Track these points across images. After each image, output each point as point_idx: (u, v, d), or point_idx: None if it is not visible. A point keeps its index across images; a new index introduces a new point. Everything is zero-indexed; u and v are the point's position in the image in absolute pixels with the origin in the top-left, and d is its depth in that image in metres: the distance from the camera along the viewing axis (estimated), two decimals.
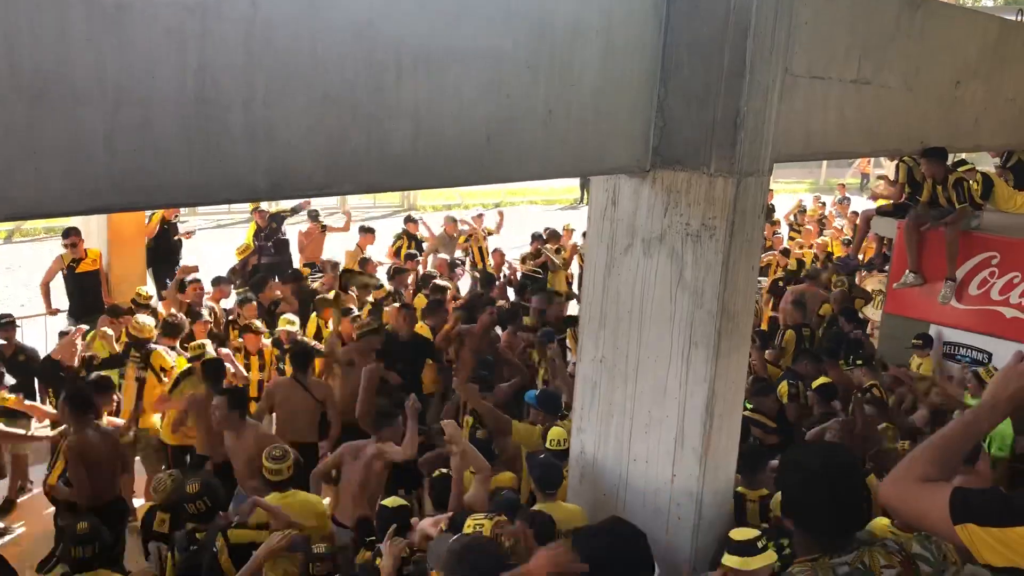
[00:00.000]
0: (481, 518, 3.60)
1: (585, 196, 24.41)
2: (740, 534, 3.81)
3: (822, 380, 6.63)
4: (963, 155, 9.11)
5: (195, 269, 9.43)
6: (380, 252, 12.54)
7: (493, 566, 2.99)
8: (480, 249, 12.72)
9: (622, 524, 2.67)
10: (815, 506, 2.35)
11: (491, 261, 12.16)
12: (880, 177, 8.83)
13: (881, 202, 10.49)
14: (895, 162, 8.84)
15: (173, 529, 5.11)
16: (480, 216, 13.78)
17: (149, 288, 10.16)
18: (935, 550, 2.36)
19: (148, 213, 10.07)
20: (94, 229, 9.89)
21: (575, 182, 25.00)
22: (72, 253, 9.07)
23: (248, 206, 15.26)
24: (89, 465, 5.62)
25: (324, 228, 12.34)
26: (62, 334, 7.48)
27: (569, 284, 11.86)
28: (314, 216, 12.41)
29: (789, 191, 20.62)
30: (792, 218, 15.86)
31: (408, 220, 13.09)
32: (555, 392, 6.41)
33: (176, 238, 10.91)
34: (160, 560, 5.12)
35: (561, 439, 5.26)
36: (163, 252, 10.63)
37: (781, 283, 10.84)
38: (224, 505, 5.13)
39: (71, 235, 9.10)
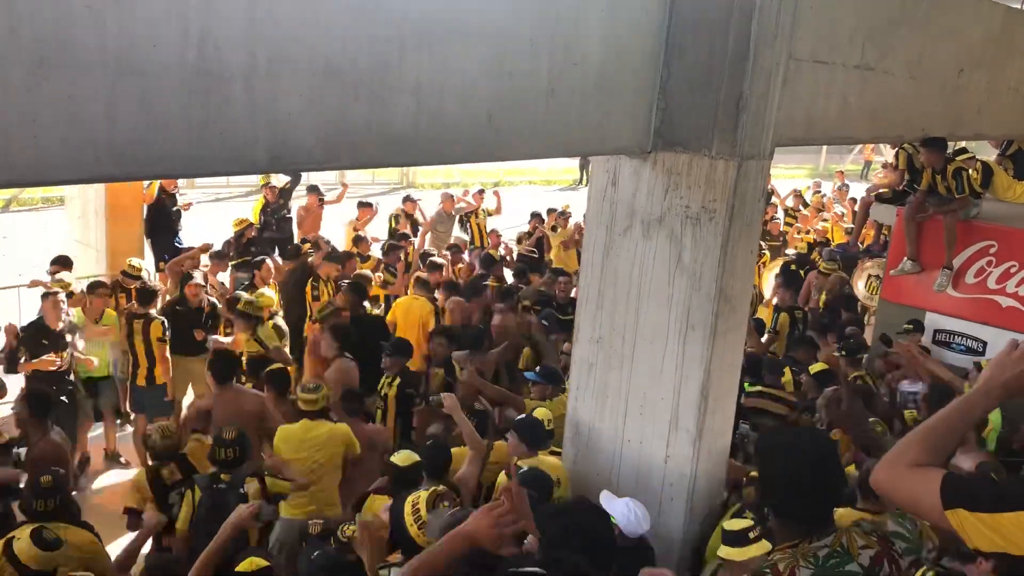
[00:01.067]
0: (421, 493, 3.61)
1: (585, 177, 24.39)
2: (733, 524, 3.83)
3: (819, 366, 6.66)
4: (963, 143, 9.12)
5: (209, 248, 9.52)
6: (379, 228, 12.54)
7: None
8: (479, 227, 12.71)
9: (585, 504, 2.67)
10: (795, 492, 2.36)
11: (489, 241, 12.16)
12: (884, 165, 8.81)
13: (881, 186, 10.48)
14: (895, 149, 8.83)
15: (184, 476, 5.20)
16: (481, 193, 13.74)
17: (147, 259, 10.22)
18: (910, 526, 2.38)
19: (146, 183, 10.02)
20: (92, 199, 9.86)
21: (575, 163, 24.96)
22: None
23: (247, 180, 15.26)
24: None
25: (322, 201, 12.30)
26: (45, 296, 7.31)
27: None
28: (314, 190, 12.38)
29: (788, 176, 20.57)
30: (788, 204, 15.85)
31: (407, 200, 13.07)
32: (555, 367, 6.47)
33: (175, 209, 10.88)
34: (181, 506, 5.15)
35: (546, 419, 5.29)
36: (162, 223, 10.60)
37: (793, 266, 10.82)
38: (249, 457, 5.20)
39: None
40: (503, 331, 8.00)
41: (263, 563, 3.85)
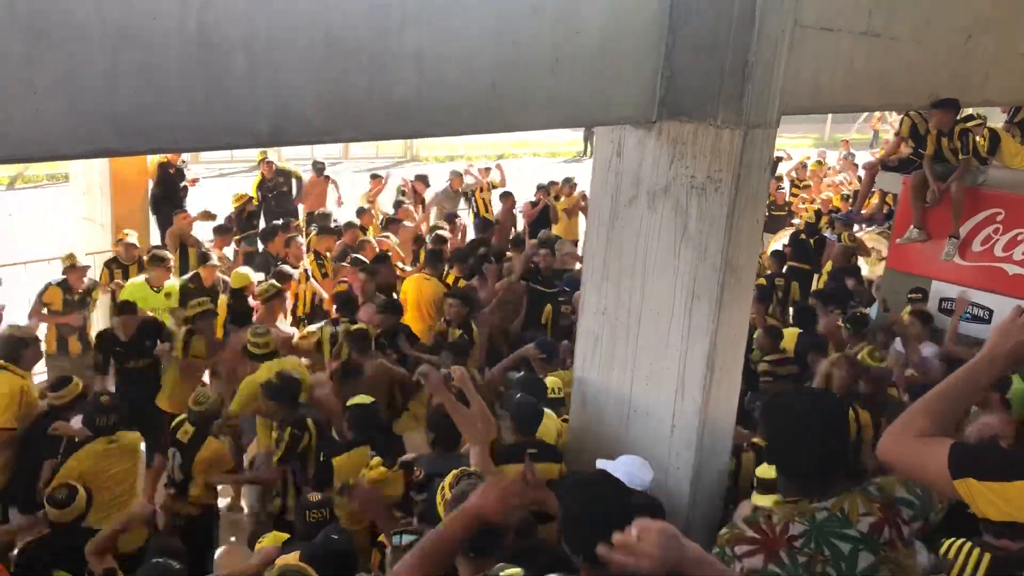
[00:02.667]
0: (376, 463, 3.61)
1: (589, 149, 24.27)
2: (765, 471, 3.83)
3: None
4: (971, 110, 9.02)
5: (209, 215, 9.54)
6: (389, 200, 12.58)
7: None
8: (484, 201, 12.67)
9: (603, 478, 2.64)
10: (796, 450, 2.35)
11: (495, 212, 12.14)
12: (896, 135, 8.75)
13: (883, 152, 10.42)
14: (901, 117, 8.75)
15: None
16: (487, 169, 13.73)
17: (153, 234, 10.24)
18: (920, 492, 2.36)
19: (149, 157, 10.01)
20: (96, 175, 9.84)
21: (579, 135, 24.84)
22: None
23: (251, 155, 15.23)
24: None
25: (328, 177, 12.33)
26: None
27: None
28: (319, 170, 12.38)
29: (793, 146, 20.43)
30: (794, 174, 15.76)
31: (418, 179, 13.04)
32: (550, 340, 6.48)
33: (182, 184, 10.87)
34: (173, 464, 5.51)
35: (556, 388, 5.31)
36: (167, 198, 10.60)
37: (802, 236, 10.77)
38: None
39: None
40: (502, 296, 8.06)
41: (284, 536, 3.91)
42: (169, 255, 8.24)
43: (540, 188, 12.53)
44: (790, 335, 7.10)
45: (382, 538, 3.91)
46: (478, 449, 4.13)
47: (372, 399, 5.24)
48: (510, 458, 4.35)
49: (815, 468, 2.33)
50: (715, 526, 4.53)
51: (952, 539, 3.32)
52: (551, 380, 5.37)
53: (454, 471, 3.51)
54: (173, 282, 7.97)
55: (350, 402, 5.18)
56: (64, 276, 7.70)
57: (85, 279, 7.82)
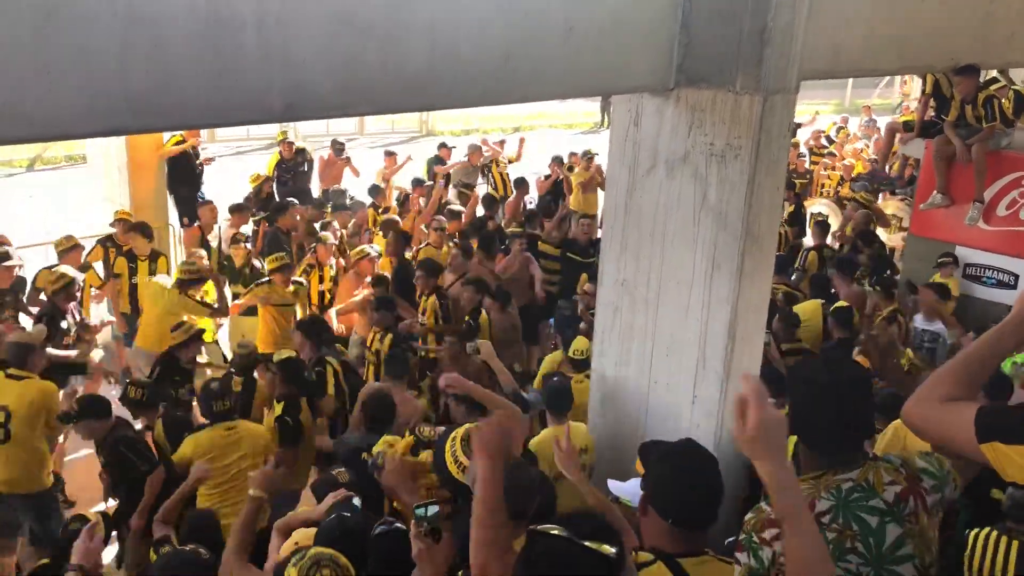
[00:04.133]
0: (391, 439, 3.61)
1: (606, 120, 24.08)
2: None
3: (839, 304, 6.59)
4: (994, 73, 8.86)
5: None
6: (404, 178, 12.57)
7: None
8: (502, 176, 12.61)
9: (692, 448, 2.64)
10: (821, 422, 2.30)
11: (512, 187, 12.07)
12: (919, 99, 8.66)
13: (906, 119, 10.26)
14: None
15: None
16: (502, 142, 13.64)
17: (171, 214, 10.30)
18: (937, 464, 2.33)
19: (166, 136, 10.03)
20: (113, 156, 9.88)
21: (595, 106, 24.63)
22: None
23: (267, 133, 15.25)
24: None
25: (348, 159, 12.34)
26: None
27: None
28: (339, 150, 12.37)
29: (813, 112, 20.15)
30: (812, 142, 15.57)
31: (442, 146, 13.02)
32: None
33: (198, 163, 10.89)
34: None
35: (584, 349, 5.35)
36: (184, 178, 10.63)
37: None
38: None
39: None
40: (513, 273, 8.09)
41: (312, 531, 3.92)
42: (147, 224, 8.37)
43: (554, 160, 12.45)
44: (813, 308, 7.02)
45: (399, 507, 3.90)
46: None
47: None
48: None
49: (839, 440, 2.30)
50: (739, 499, 4.53)
51: (976, 530, 3.30)
52: (579, 341, 5.45)
53: (467, 425, 3.55)
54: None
55: (278, 356, 5.56)
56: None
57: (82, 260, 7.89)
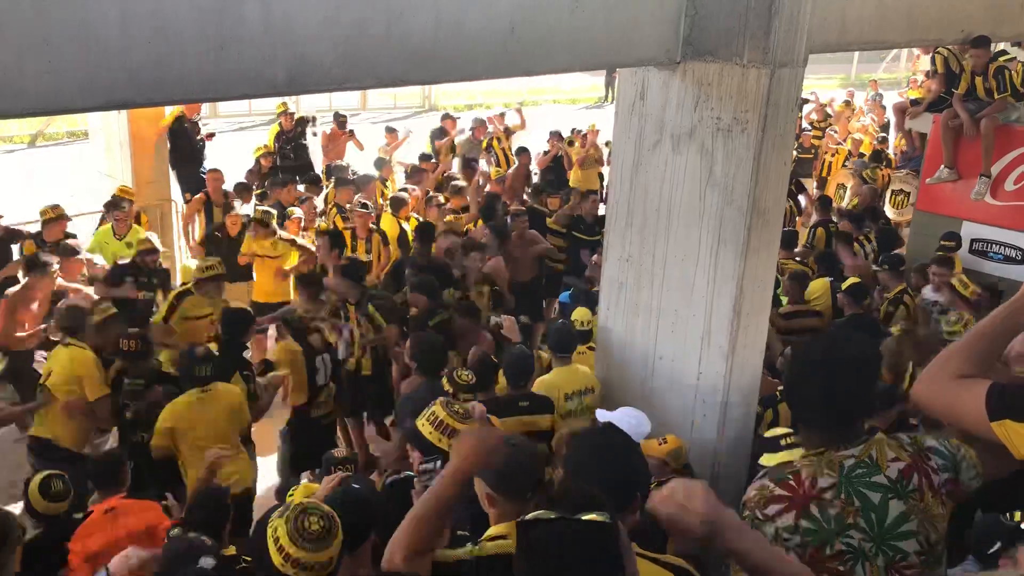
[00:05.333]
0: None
1: (610, 94, 23.91)
2: (770, 432, 3.83)
3: (852, 281, 6.55)
4: (1003, 45, 8.77)
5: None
6: (406, 153, 12.48)
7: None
8: (504, 151, 12.53)
9: (610, 429, 2.62)
10: (811, 399, 2.27)
11: (515, 161, 12.00)
12: (927, 75, 8.52)
13: (913, 94, 10.17)
14: (930, 54, 8.51)
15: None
16: (501, 115, 13.53)
17: (174, 189, 10.25)
18: (948, 443, 2.30)
19: (168, 110, 9.98)
20: (115, 131, 9.83)
21: (600, 80, 24.45)
22: None
23: (269, 108, 15.17)
24: None
25: (351, 132, 12.25)
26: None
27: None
28: (341, 123, 12.27)
29: (819, 87, 19.97)
30: (813, 116, 15.41)
31: (446, 117, 12.93)
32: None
33: (199, 138, 10.82)
34: None
35: (584, 319, 5.37)
36: (186, 153, 10.57)
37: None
38: None
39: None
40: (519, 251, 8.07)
41: (314, 487, 3.92)
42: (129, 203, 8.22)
43: (553, 135, 12.35)
44: (821, 285, 6.98)
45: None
46: None
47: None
48: (503, 410, 4.39)
49: (828, 417, 2.27)
50: (743, 473, 4.53)
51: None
52: (577, 313, 5.46)
53: (440, 399, 3.57)
54: (138, 231, 7.92)
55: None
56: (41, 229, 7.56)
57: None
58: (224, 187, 9.05)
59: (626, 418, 3.99)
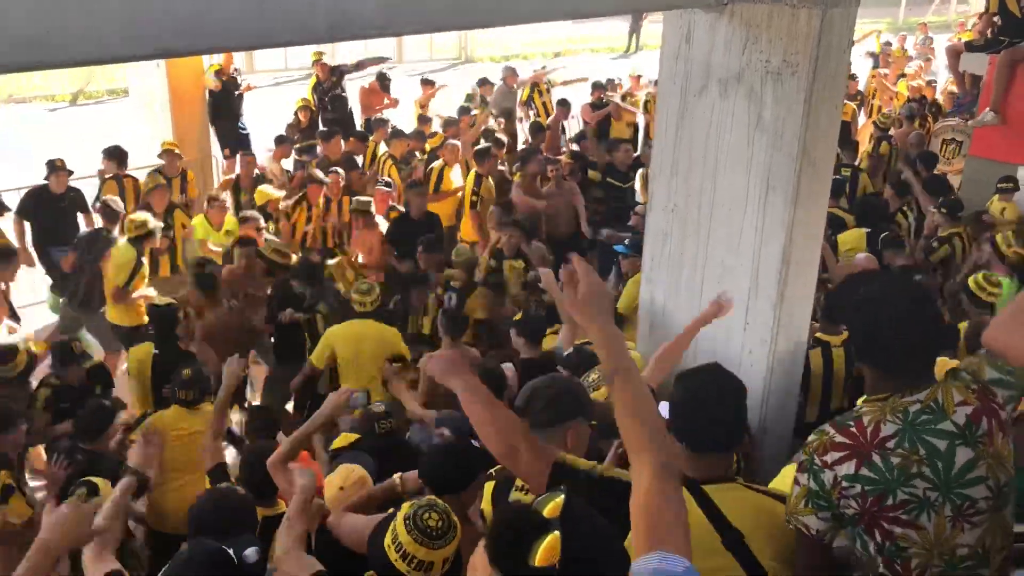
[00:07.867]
0: None
1: (633, 44, 23.48)
2: None
3: (885, 234, 6.38)
4: None
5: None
6: (444, 105, 12.38)
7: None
8: (544, 104, 12.35)
9: (715, 368, 2.58)
10: (888, 342, 2.20)
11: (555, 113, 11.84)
12: (979, 16, 8.20)
13: (967, 36, 9.81)
14: None
15: None
16: (544, 69, 13.34)
17: (213, 144, 10.29)
18: (1009, 368, 2.23)
19: (207, 62, 10.00)
20: (155, 88, 9.87)
21: (624, 30, 23.96)
22: None
23: (305, 63, 15.11)
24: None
25: (387, 83, 12.15)
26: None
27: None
28: (385, 84, 12.16)
29: (865, 31, 19.37)
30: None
31: (483, 83, 12.71)
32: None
33: (237, 93, 10.82)
34: None
35: None
36: (224, 109, 10.59)
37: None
38: None
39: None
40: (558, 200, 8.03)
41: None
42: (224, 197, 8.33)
43: (597, 87, 12.10)
44: (855, 237, 6.80)
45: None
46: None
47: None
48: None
49: (913, 362, 2.21)
50: (789, 424, 4.48)
51: None
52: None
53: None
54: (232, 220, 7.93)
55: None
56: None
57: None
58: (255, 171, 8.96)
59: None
